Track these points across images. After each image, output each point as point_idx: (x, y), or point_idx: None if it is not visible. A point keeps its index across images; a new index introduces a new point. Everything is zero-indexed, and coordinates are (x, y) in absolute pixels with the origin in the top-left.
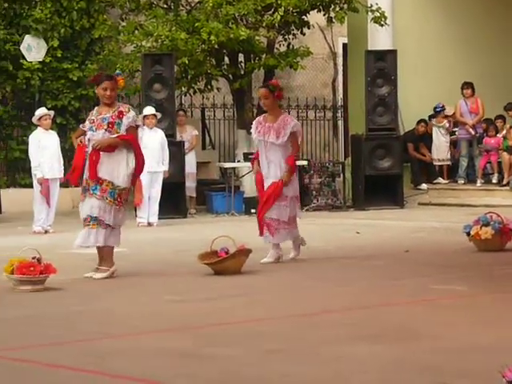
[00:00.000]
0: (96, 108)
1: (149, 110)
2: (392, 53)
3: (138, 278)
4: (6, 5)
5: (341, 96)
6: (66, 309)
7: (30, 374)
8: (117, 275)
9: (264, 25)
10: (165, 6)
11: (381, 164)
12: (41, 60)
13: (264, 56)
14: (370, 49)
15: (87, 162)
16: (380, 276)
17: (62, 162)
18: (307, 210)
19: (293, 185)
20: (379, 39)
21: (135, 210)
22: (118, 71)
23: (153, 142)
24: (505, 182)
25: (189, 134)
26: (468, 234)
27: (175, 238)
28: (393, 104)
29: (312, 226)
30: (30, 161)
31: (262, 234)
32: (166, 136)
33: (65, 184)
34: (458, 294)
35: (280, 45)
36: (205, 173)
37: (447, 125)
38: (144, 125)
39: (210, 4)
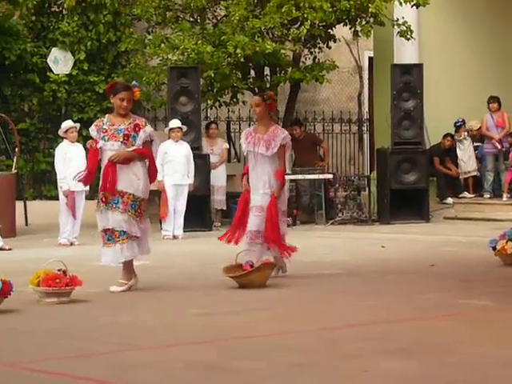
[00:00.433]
0: (107, 116)
1: (174, 122)
2: (418, 66)
3: (163, 290)
4: (33, 18)
5: (366, 109)
6: (91, 321)
7: None
8: (135, 289)
9: (290, 38)
10: (191, 19)
11: (406, 178)
12: (67, 73)
13: (290, 69)
14: (395, 62)
15: (102, 173)
16: (405, 290)
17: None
18: (332, 224)
19: (282, 198)
20: (405, 53)
21: (160, 223)
22: (134, 82)
23: (178, 154)
24: None
25: (219, 147)
26: (494, 248)
27: (200, 250)
28: (419, 118)
29: (337, 240)
30: (56, 173)
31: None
32: (192, 149)
33: (90, 196)
34: (484, 309)
35: (306, 58)
36: (230, 186)
37: (466, 134)
38: (169, 138)
39: (237, 17)
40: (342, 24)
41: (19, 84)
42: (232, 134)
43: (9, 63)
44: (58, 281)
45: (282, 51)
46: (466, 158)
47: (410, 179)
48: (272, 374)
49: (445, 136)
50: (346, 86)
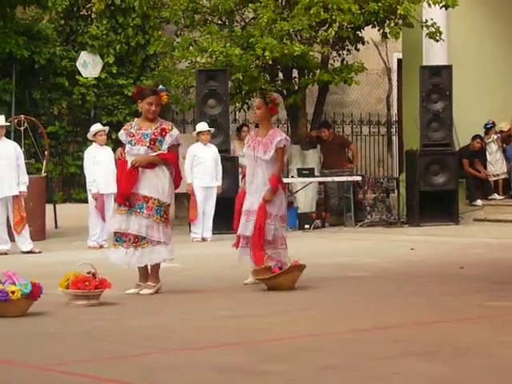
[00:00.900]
0: (136, 120)
1: (202, 125)
2: (447, 68)
3: (192, 293)
4: (62, 22)
5: (395, 111)
6: (120, 324)
7: None
8: (162, 291)
9: (318, 40)
10: (219, 22)
11: (435, 180)
12: (96, 76)
13: (318, 71)
14: (424, 64)
15: (124, 175)
16: (434, 292)
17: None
18: (361, 226)
19: (276, 203)
20: (434, 54)
21: (189, 226)
22: (161, 86)
23: (207, 157)
24: None
25: None
26: None
27: (229, 253)
28: (448, 119)
29: (366, 242)
30: (85, 176)
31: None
32: (221, 151)
33: None
34: None
35: (334, 60)
36: None
37: (495, 137)
38: (198, 141)
39: (265, 20)
40: (370, 26)
41: (48, 88)
42: None
43: (38, 67)
44: (87, 283)
45: (311, 53)
46: (495, 161)
47: (439, 181)
48: (301, 376)
49: (474, 138)
50: (374, 88)
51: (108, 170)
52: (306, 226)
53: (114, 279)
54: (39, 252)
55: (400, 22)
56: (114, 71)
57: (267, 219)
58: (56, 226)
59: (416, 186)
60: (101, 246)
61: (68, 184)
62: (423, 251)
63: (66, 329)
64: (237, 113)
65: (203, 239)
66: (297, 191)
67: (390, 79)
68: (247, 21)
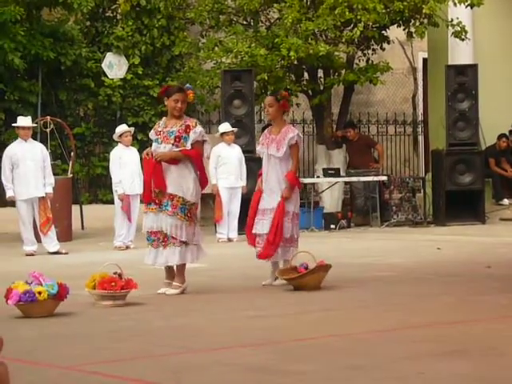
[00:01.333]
0: (164, 119)
1: (225, 126)
2: (473, 67)
3: (219, 293)
4: (88, 23)
5: (421, 111)
6: (146, 324)
7: None
8: (188, 292)
9: (343, 40)
10: (244, 22)
11: (462, 179)
12: (122, 77)
13: (343, 71)
14: (450, 63)
15: (150, 171)
16: (461, 292)
17: (143, 178)
18: (387, 226)
19: (292, 200)
20: (460, 53)
21: (215, 226)
22: (188, 85)
23: (232, 157)
24: None
25: None
26: None
27: (255, 253)
28: (474, 119)
29: (392, 242)
30: (111, 177)
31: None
32: (246, 152)
33: None
34: None
35: (359, 60)
36: None
37: None
38: (222, 141)
39: (290, 20)
40: (395, 25)
41: (74, 89)
42: None
43: (64, 68)
44: (113, 284)
45: (336, 53)
46: None
47: (465, 180)
48: (326, 376)
49: (500, 137)
50: (400, 87)
51: (134, 170)
52: (332, 226)
53: (140, 280)
54: (66, 253)
55: (425, 21)
56: (140, 72)
57: (285, 217)
58: (82, 227)
59: (442, 185)
60: (127, 247)
61: (94, 185)
62: (449, 251)
63: (93, 329)
64: (262, 113)
65: (229, 239)
66: (322, 191)
67: (415, 79)
68: (272, 21)
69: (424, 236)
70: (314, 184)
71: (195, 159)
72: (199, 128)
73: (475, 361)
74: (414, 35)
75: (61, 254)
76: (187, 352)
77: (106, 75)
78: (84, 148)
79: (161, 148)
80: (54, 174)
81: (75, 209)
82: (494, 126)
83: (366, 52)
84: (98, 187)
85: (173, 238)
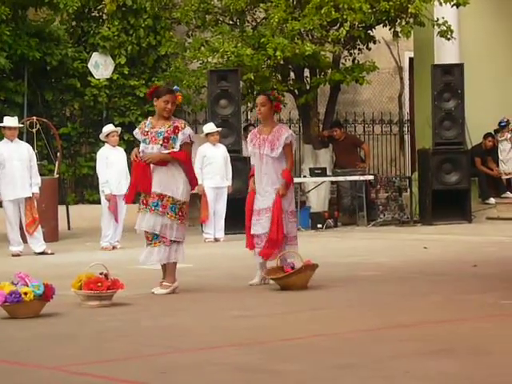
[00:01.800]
0: (150, 119)
1: (210, 127)
2: (459, 66)
3: (205, 293)
4: (74, 23)
5: (407, 110)
6: (133, 324)
7: None
8: (178, 291)
9: (329, 40)
10: (230, 22)
11: (448, 178)
12: (108, 77)
13: (330, 71)
14: (436, 63)
15: (138, 174)
16: (448, 291)
17: (130, 178)
18: (374, 225)
19: (288, 198)
20: (446, 53)
21: (201, 226)
22: (176, 87)
23: (217, 157)
24: None
25: None
26: None
27: (241, 253)
28: (460, 118)
29: (379, 241)
30: (98, 177)
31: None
32: (232, 152)
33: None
34: None
35: (345, 60)
36: None
37: (509, 135)
38: (207, 141)
39: (276, 20)
40: (381, 25)
41: (60, 89)
42: None
43: (50, 68)
44: (99, 284)
45: (322, 53)
46: (507, 159)
47: (451, 180)
48: (313, 375)
49: (486, 136)
50: (386, 87)
51: (121, 170)
52: (319, 226)
53: (126, 280)
54: (52, 253)
55: (411, 20)
56: (126, 72)
57: (282, 214)
58: (69, 228)
59: (428, 184)
60: (113, 247)
61: (81, 185)
62: (436, 250)
63: (80, 330)
64: (248, 113)
65: (216, 239)
66: (309, 191)
67: (401, 78)
68: (258, 21)
69: (411, 235)
70: (300, 184)
71: (184, 162)
72: (188, 130)
73: (462, 360)
74: (400, 35)
75: (47, 254)
76: (175, 352)
77: (92, 75)
78: (70, 148)
79: (149, 149)
80: (40, 175)
81: (61, 209)
82: (480, 125)
83: (352, 52)
84: (84, 187)
85: (162, 237)
